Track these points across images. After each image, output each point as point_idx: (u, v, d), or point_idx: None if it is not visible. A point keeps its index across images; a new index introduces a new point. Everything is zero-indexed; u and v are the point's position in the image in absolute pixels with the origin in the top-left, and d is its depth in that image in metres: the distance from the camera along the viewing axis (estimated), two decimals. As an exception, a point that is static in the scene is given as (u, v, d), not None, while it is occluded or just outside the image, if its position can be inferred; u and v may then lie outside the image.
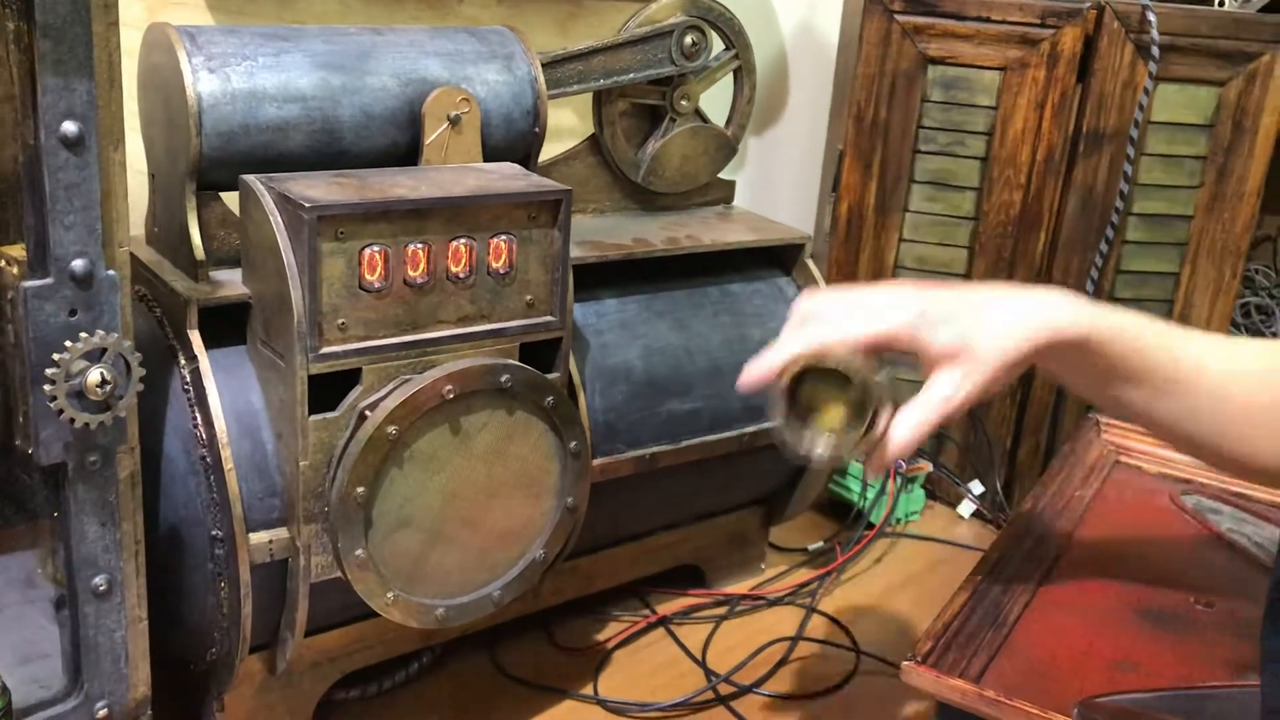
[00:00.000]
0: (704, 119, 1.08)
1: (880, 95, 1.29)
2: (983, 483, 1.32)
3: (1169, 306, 1.34)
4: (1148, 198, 1.31)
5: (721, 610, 1.08)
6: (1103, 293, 1.33)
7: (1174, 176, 1.31)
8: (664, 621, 1.06)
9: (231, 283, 0.78)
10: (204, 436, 0.75)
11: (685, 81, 1.04)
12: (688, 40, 1.01)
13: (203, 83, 0.75)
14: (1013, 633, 0.81)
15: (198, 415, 0.75)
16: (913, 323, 0.70)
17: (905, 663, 0.73)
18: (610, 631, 1.03)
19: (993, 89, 1.27)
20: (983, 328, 0.70)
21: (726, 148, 1.09)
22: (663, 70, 1.01)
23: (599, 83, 0.98)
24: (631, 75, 1.00)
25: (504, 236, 0.79)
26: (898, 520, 1.26)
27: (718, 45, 1.07)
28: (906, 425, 0.70)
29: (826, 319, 0.71)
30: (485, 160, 0.87)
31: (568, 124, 1.26)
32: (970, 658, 0.76)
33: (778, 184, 1.54)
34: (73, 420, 0.63)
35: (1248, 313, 1.77)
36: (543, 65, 0.90)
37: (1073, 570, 0.90)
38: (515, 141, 0.89)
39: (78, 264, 0.63)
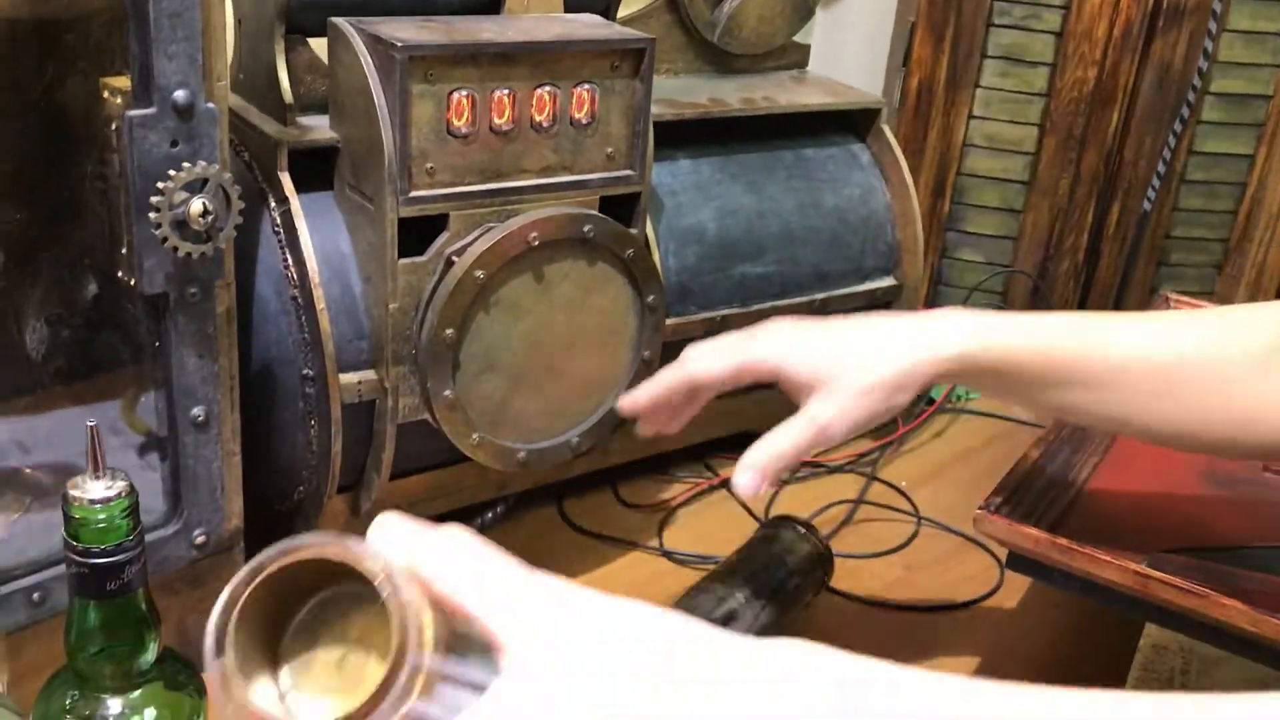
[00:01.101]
0: (781, -21, 1.06)
1: None
2: None
3: (1241, 189, 1.33)
4: (1226, 76, 1.28)
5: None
6: (1175, 174, 1.31)
7: (1256, 54, 1.28)
8: (727, 484, 1.07)
9: (319, 127, 0.79)
10: (295, 277, 0.76)
11: (763, -60, 1.03)
12: None
13: (291, -78, 0.75)
14: (1082, 491, 0.82)
15: (289, 256, 0.76)
16: (780, 350, 0.71)
17: (978, 511, 0.74)
18: (674, 491, 1.05)
19: None
20: (849, 355, 0.69)
21: (803, 8, 1.07)
22: None
23: None
24: None
25: (587, 86, 0.79)
26: (958, 397, 1.27)
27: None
28: (766, 448, 0.68)
29: (695, 356, 0.73)
30: (566, 11, 0.86)
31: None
32: (1042, 511, 0.78)
33: (847, 56, 1.52)
34: (176, 249, 0.65)
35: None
36: (624, -83, 0.89)
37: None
38: (596, -7, 0.89)
39: (180, 94, 0.63)
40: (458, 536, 0.41)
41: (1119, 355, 0.67)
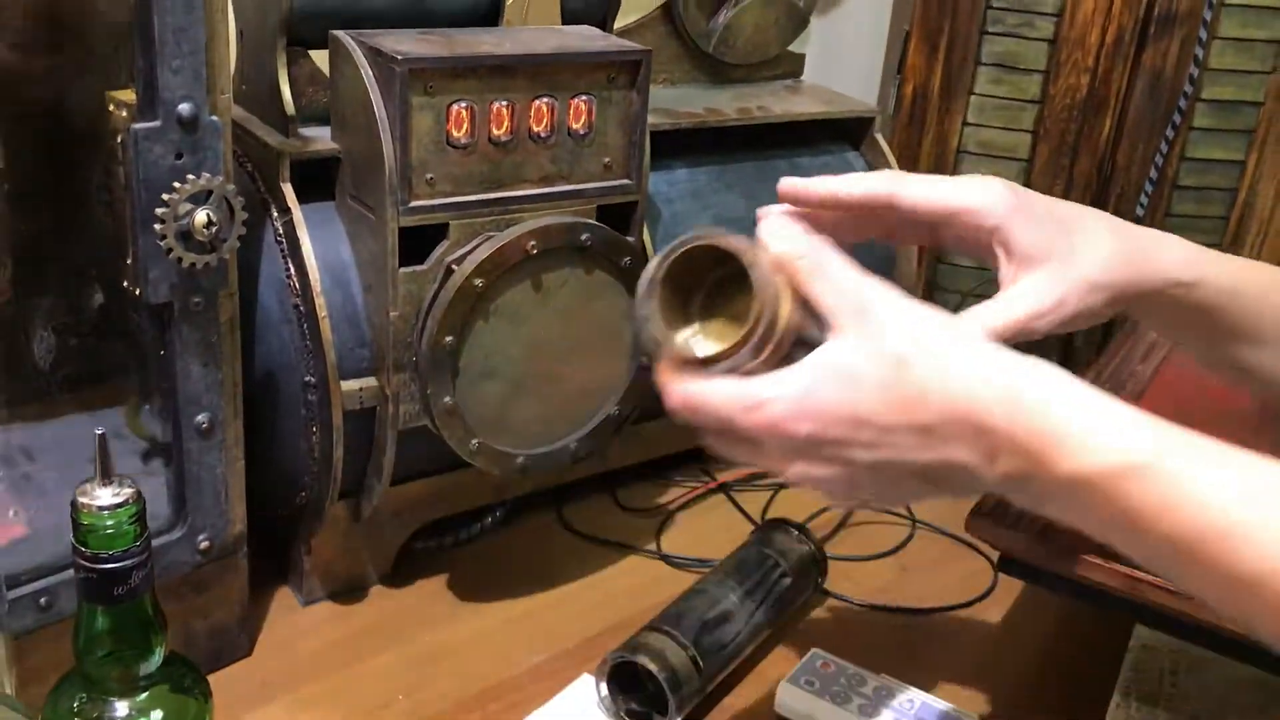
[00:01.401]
0: (776, -10, 1.08)
1: None
2: None
3: (1232, 195, 1.33)
4: (1217, 83, 1.29)
5: (780, 480, 1.11)
6: (1166, 180, 1.31)
7: (1245, 61, 1.28)
8: (724, 488, 1.08)
9: (320, 138, 0.80)
10: (297, 286, 0.77)
11: (758, -49, 1.04)
12: None
13: (293, -63, 0.76)
14: (1072, 495, 0.83)
15: (291, 265, 0.78)
16: (1003, 210, 0.59)
17: (969, 516, 0.75)
18: (672, 495, 1.06)
19: None
20: (1087, 235, 0.60)
21: (798, 18, 1.09)
22: None
23: None
24: None
25: (584, 97, 0.80)
26: (953, 400, 1.27)
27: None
28: (996, 311, 0.60)
29: (909, 178, 0.63)
30: (563, 24, 0.88)
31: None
32: (1033, 515, 0.79)
33: (842, 65, 1.53)
34: (180, 260, 0.66)
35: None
36: (620, -70, 0.90)
37: None
38: (593, 6, 0.90)
39: (184, 108, 0.65)
40: (821, 249, 0.55)
41: None
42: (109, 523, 0.51)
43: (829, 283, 0.54)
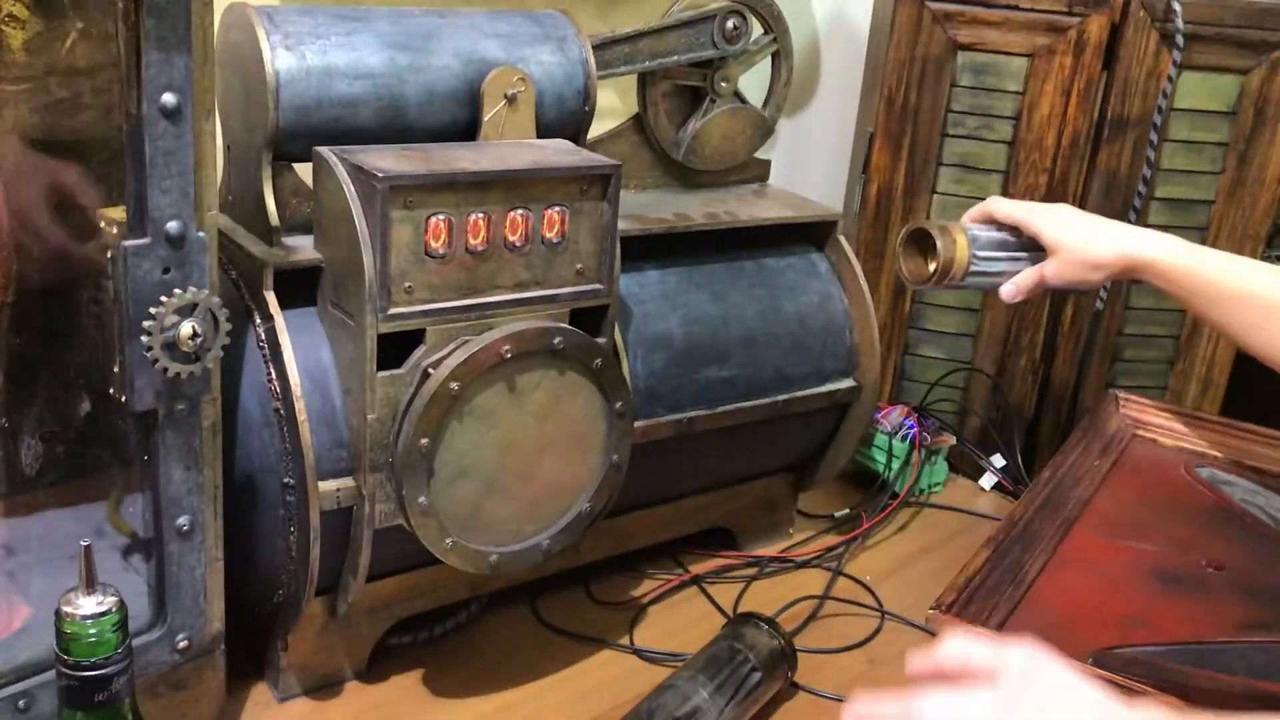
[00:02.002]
0: (742, 100, 1.12)
1: (911, 79, 1.33)
2: (1004, 456, 1.36)
3: (1188, 289, 1.38)
4: (1170, 183, 1.34)
5: (752, 571, 1.13)
6: None
7: (1196, 162, 1.34)
8: (697, 580, 1.10)
9: (303, 248, 0.83)
10: (278, 390, 0.80)
11: (725, 64, 1.09)
12: (729, 24, 1.06)
13: (280, 60, 0.80)
14: (1031, 589, 0.86)
15: (272, 371, 0.80)
16: (1047, 225, 1.02)
17: (930, 610, 0.78)
18: (645, 588, 1.08)
19: (1020, 75, 1.30)
20: (1077, 237, 1.00)
21: (764, 128, 1.13)
22: (705, 53, 1.06)
23: (645, 64, 1.03)
24: (676, 57, 1.04)
25: (558, 208, 0.83)
26: (921, 491, 1.30)
27: (757, 29, 1.11)
28: (1018, 280, 1.04)
29: (997, 200, 1.06)
30: (538, 137, 0.92)
31: (609, 104, 1.30)
32: (991, 610, 0.81)
33: (809, 165, 1.58)
34: (165, 370, 0.69)
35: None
36: (592, 48, 0.95)
37: (1089, 534, 0.95)
38: (567, 119, 0.94)
39: (172, 225, 0.68)
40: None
41: (1237, 286, 0.95)
42: (92, 631, 0.53)
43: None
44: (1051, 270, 1.02)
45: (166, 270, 0.68)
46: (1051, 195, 1.33)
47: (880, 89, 1.34)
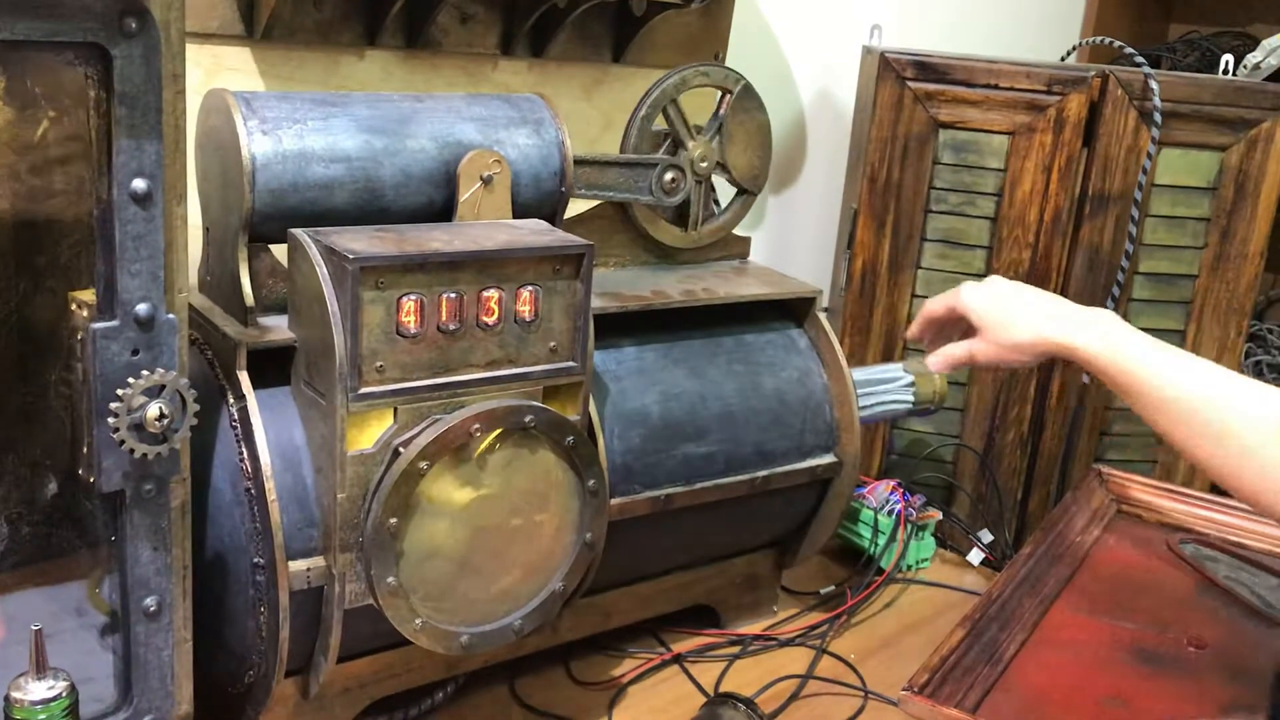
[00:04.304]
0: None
1: (893, 157, 1.34)
2: (992, 532, 1.35)
3: (1175, 362, 1.37)
4: (1153, 257, 1.35)
5: (734, 649, 1.12)
6: None
7: (1178, 237, 1.35)
8: (678, 659, 1.09)
9: (278, 328, 0.84)
10: (249, 470, 0.80)
11: (700, 146, 1.10)
12: (667, 177, 1.07)
13: (257, 144, 0.82)
14: (1009, 669, 0.85)
15: (244, 450, 0.81)
16: (973, 303, 1.00)
17: (903, 692, 0.77)
18: (625, 667, 1.07)
19: (1001, 152, 1.32)
20: (1004, 318, 0.97)
21: (768, 136, 1.14)
22: (643, 198, 1.07)
23: (586, 193, 1.03)
24: (614, 194, 1.05)
25: (530, 287, 0.84)
26: (908, 566, 1.29)
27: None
28: (945, 350, 1.02)
29: (930, 300, 1.06)
30: (515, 217, 0.93)
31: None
32: (966, 690, 0.80)
33: (795, 241, 1.59)
34: (132, 451, 0.69)
35: (1260, 371, 1.80)
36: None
37: (1070, 611, 0.94)
38: (543, 200, 0.95)
39: (142, 308, 0.69)
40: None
41: (1181, 394, 0.83)
42: (41, 717, 0.53)
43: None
44: (979, 349, 0.99)
45: (135, 352, 0.69)
46: (1035, 270, 1.34)
47: (864, 166, 1.36)
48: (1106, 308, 1.32)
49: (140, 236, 0.68)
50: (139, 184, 0.67)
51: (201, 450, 0.81)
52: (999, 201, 1.34)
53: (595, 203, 1.08)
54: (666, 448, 1.00)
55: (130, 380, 0.68)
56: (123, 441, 0.69)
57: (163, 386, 0.69)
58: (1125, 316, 1.34)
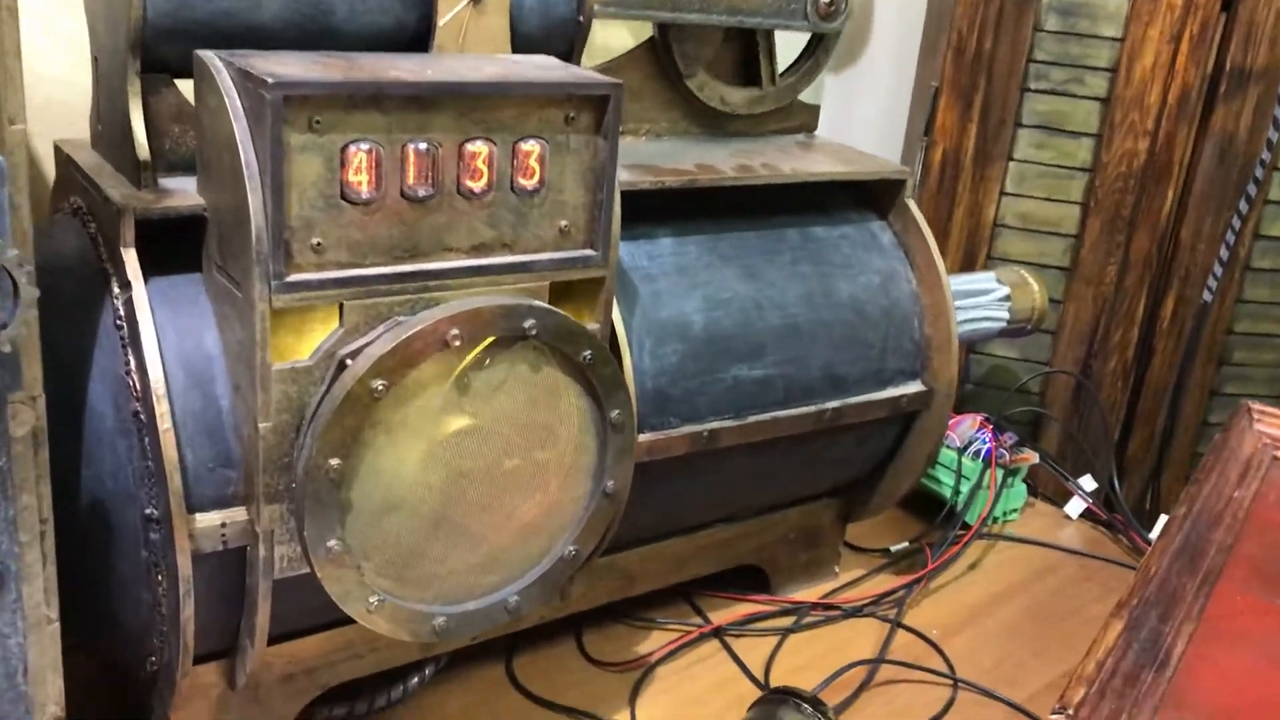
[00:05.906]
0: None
1: (985, 23, 1.21)
2: (1095, 478, 1.19)
3: (1317, 278, 1.18)
4: (1301, 149, 1.16)
5: (787, 621, 0.97)
6: (1238, 260, 1.22)
7: (1334, 123, 1.14)
8: (719, 632, 0.93)
9: (182, 191, 0.63)
10: (137, 386, 0.58)
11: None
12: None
13: (149, -72, 0.59)
14: (1178, 674, 0.65)
15: (130, 358, 0.59)
16: None
17: (1053, 716, 0.55)
18: (654, 643, 0.91)
19: (1119, 17, 1.14)
20: None
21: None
22: (794, 24, 0.90)
23: (721, 18, 0.86)
24: (760, 19, 0.88)
25: (534, 141, 0.63)
26: (995, 519, 1.11)
27: None
28: None
29: None
30: (514, 52, 0.71)
31: (620, 43, 1.09)
32: (1131, 708, 0.61)
33: (857, 128, 1.41)
34: (-61, 355, 0.47)
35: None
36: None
37: (1240, 590, 0.76)
38: (553, 31, 0.76)
39: (-56, 140, 0.46)
40: None
41: None
42: None
43: None
44: None
45: (-60, 208, 0.47)
46: (1153, 163, 1.19)
47: (948, 35, 1.21)
48: (1238, 211, 1.15)
49: (-68, 26, 0.45)
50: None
51: (77, 358, 0.60)
52: (1113, 78, 1.17)
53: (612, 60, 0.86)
54: (711, 370, 0.81)
55: (-73, 249, 0.46)
56: (-79, 340, 0.46)
57: (-20, 260, 0.47)
58: (1258, 223, 1.18)
